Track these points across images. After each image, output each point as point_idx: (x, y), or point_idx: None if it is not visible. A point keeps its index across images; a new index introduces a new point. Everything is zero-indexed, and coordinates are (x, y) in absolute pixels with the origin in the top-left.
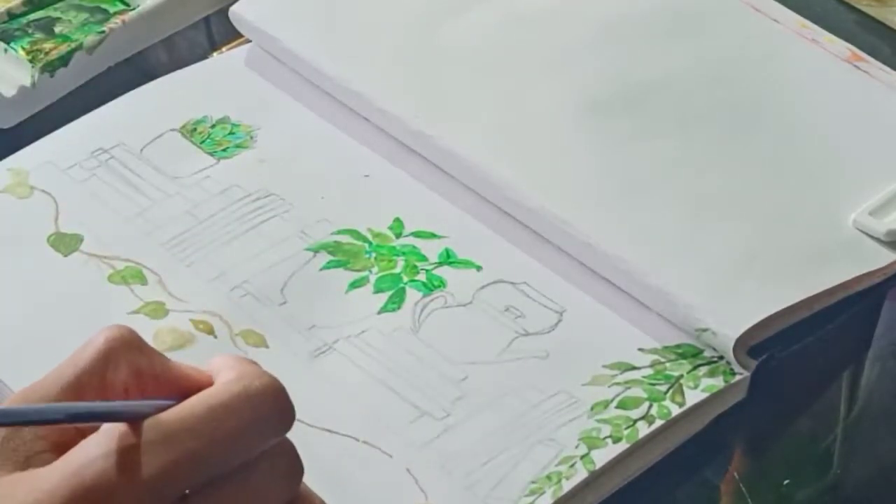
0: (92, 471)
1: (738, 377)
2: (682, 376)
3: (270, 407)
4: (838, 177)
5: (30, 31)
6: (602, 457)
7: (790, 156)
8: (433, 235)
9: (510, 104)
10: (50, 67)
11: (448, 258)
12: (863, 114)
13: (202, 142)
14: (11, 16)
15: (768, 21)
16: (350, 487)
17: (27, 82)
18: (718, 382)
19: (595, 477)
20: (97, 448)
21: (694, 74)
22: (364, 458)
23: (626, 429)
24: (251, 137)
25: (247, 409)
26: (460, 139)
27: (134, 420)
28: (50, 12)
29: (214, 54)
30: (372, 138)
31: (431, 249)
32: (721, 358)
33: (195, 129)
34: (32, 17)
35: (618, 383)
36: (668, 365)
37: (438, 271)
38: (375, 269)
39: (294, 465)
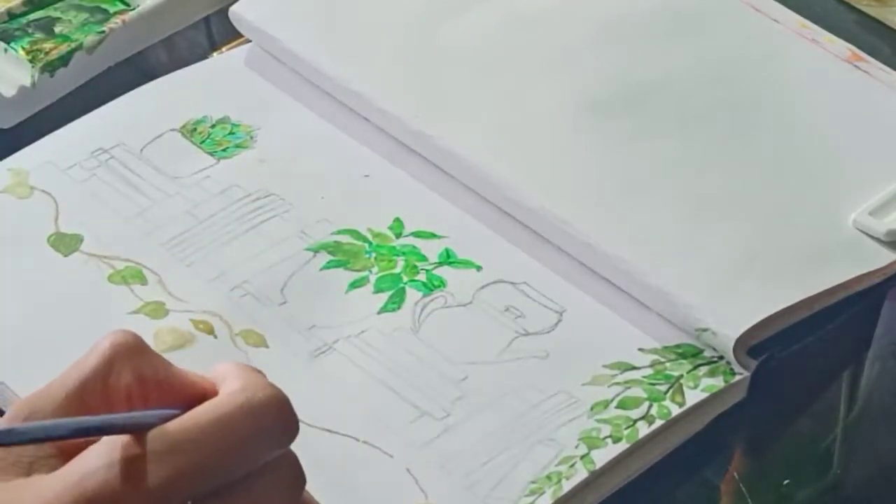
0: (95, 480)
1: (738, 377)
2: (682, 376)
3: (274, 418)
4: (838, 177)
5: (30, 31)
6: (602, 457)
7: (790, 156)
8: (433, 235)
9: (510, 104)
10: (50, 67)
11: (448, 258)
12: (863, 114)
13: (202, 142)
14: (11, 16)
15: (768, 21)
16: (350, 487)
17: (27, 82)
18: (718, 382)
19: (595, 477)
20: (100, 458)
21: (694, 74)
22: (364, 458)
23: (626, 429)
24: (251, 137)
25: (251, 420)
26: (460, 139)
27: (138, 431)
28: (50, 12)
29: (214, 54)
30: (372, 138)
31: (431, 249)
32: (721, 358)
33: (195, 129)
34: (32, 17)
35: (618, 383)
36: (668, 365)
37: (438, 271)
38: (375, 269)
39: (297, 476)
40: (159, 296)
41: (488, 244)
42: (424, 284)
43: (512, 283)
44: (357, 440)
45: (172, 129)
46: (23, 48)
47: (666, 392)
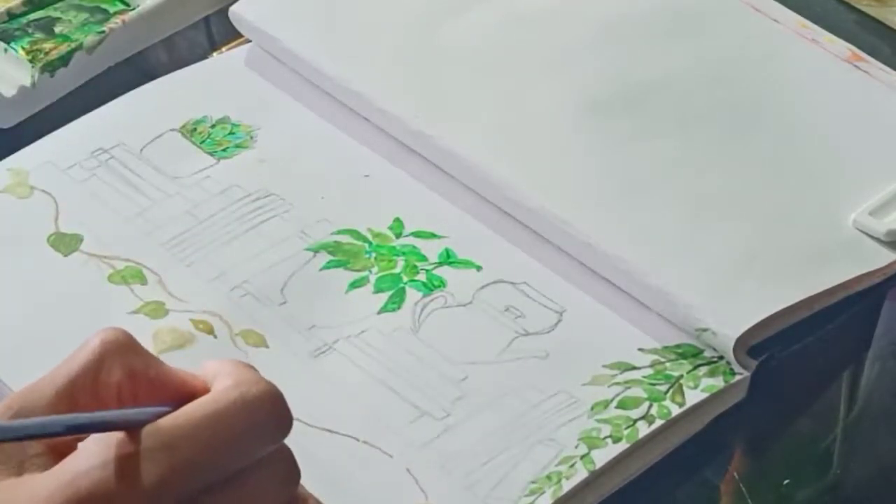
0: (89, 479)
1: (738, 377)
2: (682, 376)
3: (268, 414)
4: (838, 177)
5: (30, 31)
6: (602, 457)
7: (790, 156)
8: (433, 235)
9: (510, 104)
10: (50, 67)
11: (448, 258)
12: (863, 114)
13: (202, 142)
14: (11, 16)
15: (768, 21)
16: (350, 487)
17: (27, 82)
18: (718, 382)
19: (595, 477)
20: (94, 456)
21: (694, 74)
22: (364, 458)
23: (626, 429)
24: (251, 137)
25: (244, 416)
26: (460, 139)
27: (131, 428)
28: (50, 12)
29: (214, 54)
30: (372, 138)
31: (431, 249)
32: (721, 358)
33: (195, 129)
34: (32, 17)
35: (618, 383)
36: (668, 365)
37: (438, 271)
38: (375, 269)
39: (291, 470)
40: (159, 296)
41: (488, 244)
42: (424, 284)
43: (512, 283)
44: (357, 440)
45: (172, 129)
46: (23, 48)
47: (666, 392)
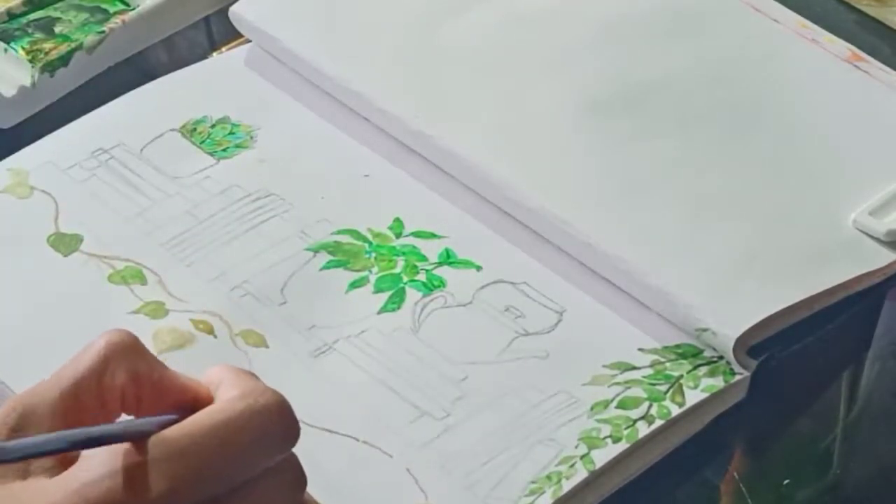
0: (96, 489)
1: (738, 377)
2: (682, 376)
3: (276, 424)
4: (838, 177)
5: (30, 31)
6: (602, 457)
7: (790, 156)
8: (433, 235)
9: (510, 104)
10: (50, 67)
11: (448, 258)
12: (863, 114)
13: (202, 142)
14: (11, 16)
15: (768, 21)
16: (350, 487)
17: (27, 82)
18: (718, 382)
19: (595, 477)
20: (102, 466)
21: (694, 74)
22: (364, 458)
23: (626, 429)
24: (251, 137)
25: (252, 426)
26: (460, 139)
27: (137, 439)
28: (50, 12)
29: (214, 54)
30: (372, 138)
31: (431, 249)
32: (721, 358)
33: (195, 129)
34: (32, 17)
35: (618, 383)
36: (668, 365)
37: (438, 271)
38: (375, 269)
39: (298, 477)
40: (159, 296)
41: (488, 244)
42: (424, 284)
43: (512, 283)
44: (357, 440)
45: (172, 129)
46: (23, 48)
47: (666, 392)
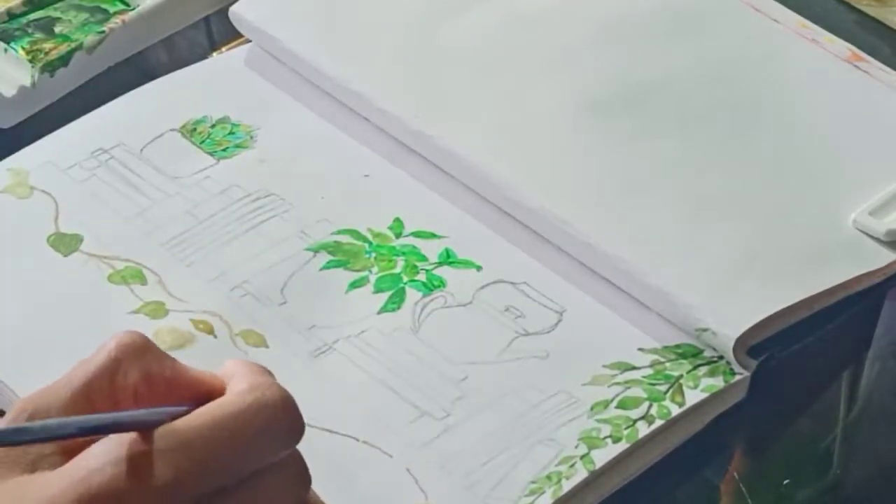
0: (101, 477)
1: (738, 377)
2: (681, 376)
3: (282, 419)
4: (838, 177)
5: (30, 31)
6: (602, 457)
7: (790, 156)
8: (433, 235)
9: (510, 104)
10: (50, 67)
11: (448, 258)
12: (863, 114)
13: (202, 142)
14: (11, 16)
15: (768, 21)
16: (350, 487)
17: (27, 82)
18: (718, 382)
19: (595, 477)
20: (106, 454)
21: (694, 74)
22: (364, 458)
23: (626, 429)
24: (251, 137)
25: (258, 420)
26: (460, 139)
27: (145, 429)
28: (50, 12)
29: (214, 54)
30: (372, 138)
31: (431, 249)
32: (721, 358)
33: (195, 129)
34: (32, 17)
35: (618, 383)
36: (668, 365)
37: (438, 271)
38: (375, 269)
39: (302, 474)
40: (159, 296)
41: (488, 244)
42: (424, 284)
43: (512, 283)
44: (357, 440)
45: (172, 129)
46: (23, 48)
47: (666, 392)
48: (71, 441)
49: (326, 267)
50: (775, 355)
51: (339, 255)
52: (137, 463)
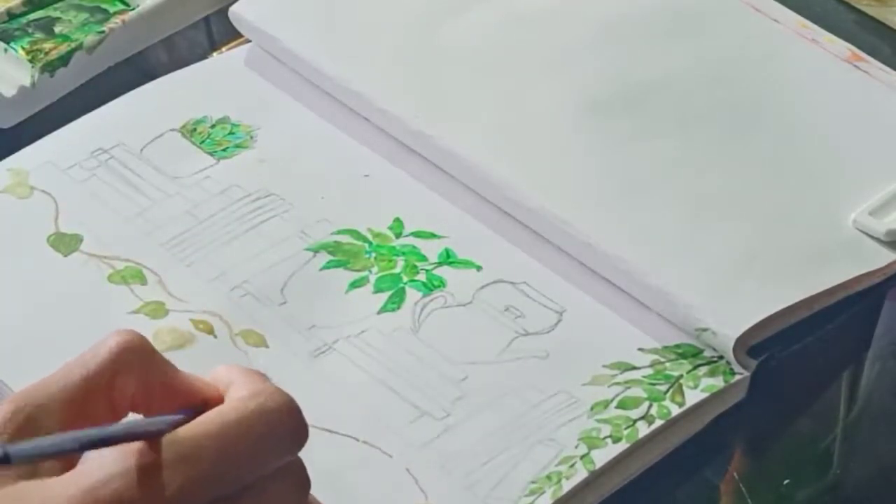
0: (108, 489)
1: (738, 377)
2: (681, 376)
3: (286, 424)
4: (838, 177)
5: (30, 30)
6: (602, 457)
7: (790, 156)
8: (433, 235)
9: (510, 104)
10: (50, 67)
11: (448, 258)
12: (863, 114)
13: (202, 142)
14: (11, 16)
15: (768, 21)
16: (350, 487)
17: (27, 82)
18: (718, 382)
19: (595, 477)
20: (113, 466)
21: (694, 74)
22: (364, 458)
23: (626, 429)
24: (251, 137)
25: (263, 427)
26: (460, 139)
27: (149, 438)
28: (50, 12)
29: (214, 54)
30: (372, 138)
31: (431, 249)
32: (721, 358)
33: (195, 129)
34: (32, 16)
35: (618, 383)
36: (668, 365)
37: (438, 271)
38: (375, 269)
39: (303, 479)
40: (159, 296)
41: (488, 244)
42: (424, 284)
43: (512, 283)
44: (357, 440)
45: (172, 129)
46: (23, 48)
47: (666, 392)
48: None
49: (326, 267)
50: (775, 355)
51: (339, 255)
52: (145, 473)
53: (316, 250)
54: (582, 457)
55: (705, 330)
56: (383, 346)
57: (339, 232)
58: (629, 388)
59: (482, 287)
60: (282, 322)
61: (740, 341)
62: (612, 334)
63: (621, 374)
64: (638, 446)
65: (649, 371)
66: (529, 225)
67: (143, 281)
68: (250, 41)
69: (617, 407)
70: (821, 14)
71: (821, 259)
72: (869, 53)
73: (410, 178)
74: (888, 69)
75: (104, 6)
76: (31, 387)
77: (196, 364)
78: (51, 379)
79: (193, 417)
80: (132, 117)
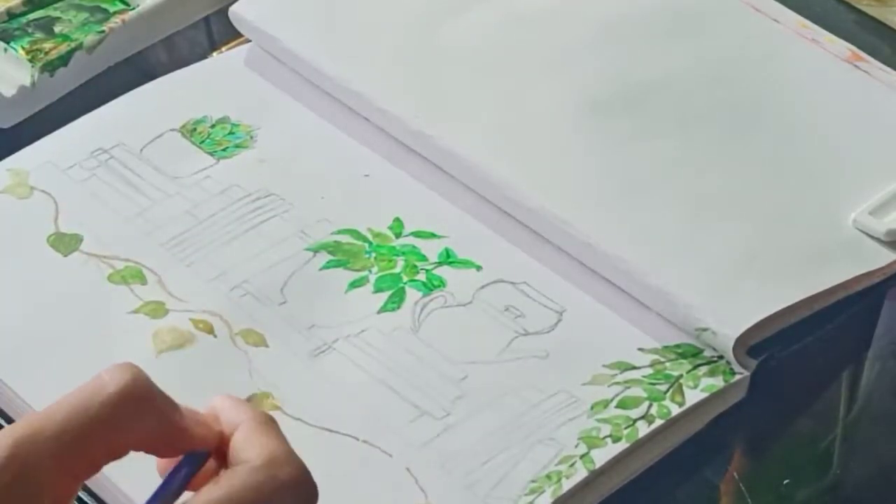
0: None
1: (737, 377)
2: (681, 376)
3: (294, 498)
4: (838, 177)
5: (30, 30)
6: (602, 456)
7: (790, 156)
8: (433, 235)
9: (510, 104)
10: (50, 67)
11: (448, 258)
12: (863, 114)
13: (202, 142)
14: (11, 15)
15: (768, 21)
16: (350, 487)
17: (27, 82)
18: (718, 382)
19: (595, 476)
20: None
21: (694, 74)
22: (364, 458)
23: (626, 428)
24: (251, 137)
25: (274, 499)
26: (460, 139)
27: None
28: (50, 12)
29: (214, 54)
30: (372, 138)
31: (431, 249)
32: (721, 358)
33: (195, 129)
34: (32, 16)
35: (618, 383)
36: (667, 365)
37: (438, 271)
38: (375, 269)
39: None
40: (159, 295)
41: (488, 244)
42: (424, 284)
43: (512, 282)
44: (357, 439)
45: (172, 129)
46: (23, 48)
47: (666, 392)
48: None
49: (326, 267)
50: (775, 355)
51: (339, 254)
52: None
53: (316, 250)
54: (582, 456)
55: (705, 330)
56: (383, 345)
57: (339, 232)
58: (629, 387)
59: (482, 287)
60: (282, 322)
61: (740, 341)
62: (612, 334)
63: (621, 373)
64: (638, 446)
65: (649, 371)
66: (529, 225)
67: (143, 281)
68: (250, 41)
69: (617, 406)
70: (821, 14)
71: (821, 259)
72: (869, 53)
73: (410, 178)
74: (888, 69)
75: (104, 6)
76: (26, 428)
77: (196, 363)
78: (47, 422)
79: (202, 464)
80: (132, 117)
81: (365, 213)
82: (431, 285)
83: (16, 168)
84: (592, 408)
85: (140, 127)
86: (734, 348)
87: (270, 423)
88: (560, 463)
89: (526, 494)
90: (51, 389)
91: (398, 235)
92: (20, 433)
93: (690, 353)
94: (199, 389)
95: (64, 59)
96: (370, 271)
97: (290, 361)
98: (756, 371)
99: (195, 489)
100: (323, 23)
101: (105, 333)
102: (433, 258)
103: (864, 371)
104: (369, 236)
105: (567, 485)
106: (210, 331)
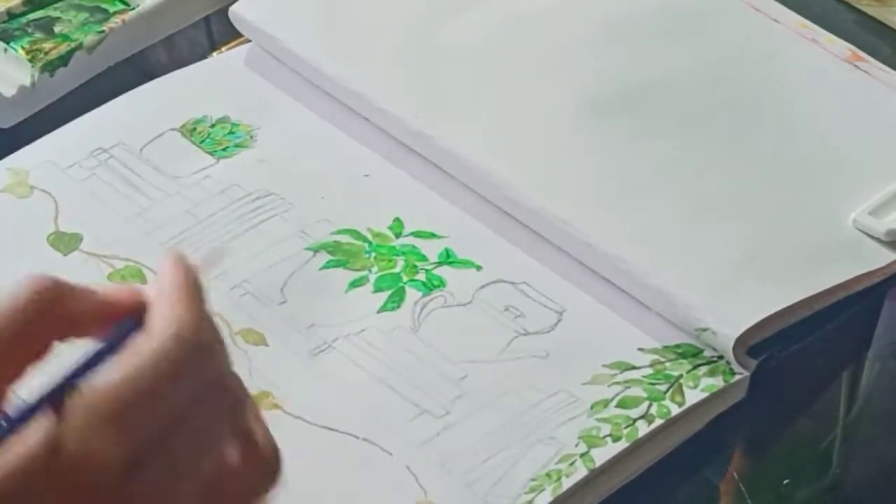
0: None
1: (737, 377)
2: (681, 376)
3: (178, 351)
4: (838, 177)
5: (30, 30)
6: (602, 455)
7: (790, 156)
8: (433, 235)
9: (510, 104)
10: (50, 67)
11: (448, 258)
12: (863, 114)
13: (202, 141)
14: (11, 15)
15: (768, 21)
16: (350, 485)
17: (27, 82)
18: (718, 382)
19: (595, 475)
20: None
21: (694, 74)
22: (364, 456)
23: (626, 428)
24: (251, 137)
25: (155, 369)
26: (460, 139)
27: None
28: (50, 12)
29: (214, 54)
30: (372, 138)
31: (431, 249)
32: (721, 358)
33: (195, 129)
34: (32, 16)
35: (618, 383)
36: (667, 364)
37: (438, 271)
38: (375, 269)
39: (235, 401)
40: None
41: (488, 244)
42: (424, 284)
43: (512, 282)
44: (357, 438)
45: (172, 129)
46: (23, 48)
47: (666, 391)
48: None
49: (326, 266)
50: (775, 355)
51: (339, 254)
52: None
53: (316, 250)
54: (582, 455)
55: (705, 330)
56: (383, 344)
57: (338, 232)
58: (629, 387)
59: (482, 287)
60: (281, 321)
61: (740, 341)
62: (612, 334)
63: (621, 373)
64: (638, 445)
65: (649, 371)
66: (529, 225)
67: (143, 280)
68: (250, 41)
69: (617, 406)
70: (821, 14)
71: (821, 259)
72: (869, 53)
73: (410, 178)
74: (888, 69)
75: (104, 6)
76: None
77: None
78: None
79: (129, 333)
80: (132, 117)
81: (365, 213)
82: (431, 285)
83: (16, 167)
84: (592, 407)
85: (140, 126)
86: (734, 348)
87: (185, 289)
88: (560, 462)
89: (526, 493)
90: None
91: (398, 235)
92: None
93: (690, 353)
94: None
95: (64, 59)
96: (370, 271)
97: (290, 361)
98: (756, 371)
99: None
100: (323, 23)
101: None
102: (433, 258)
103: (864, 371)
104: (369, 236)
105: (567, 483)
106: None
